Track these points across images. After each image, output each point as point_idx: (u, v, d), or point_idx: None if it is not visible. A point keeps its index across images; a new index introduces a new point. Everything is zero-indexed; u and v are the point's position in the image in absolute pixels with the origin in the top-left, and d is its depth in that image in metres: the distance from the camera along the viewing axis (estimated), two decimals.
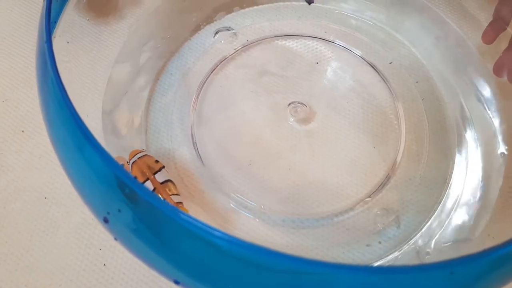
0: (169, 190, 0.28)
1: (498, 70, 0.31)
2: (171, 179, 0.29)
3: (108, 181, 0.17)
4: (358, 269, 0.16)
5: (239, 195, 0.31)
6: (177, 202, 0.28)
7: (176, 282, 0.17)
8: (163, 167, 0.29)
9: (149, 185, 0.28)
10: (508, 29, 0.32)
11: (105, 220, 0.17)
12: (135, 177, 0.28)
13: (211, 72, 0.37)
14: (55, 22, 0.25)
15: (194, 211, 0.31)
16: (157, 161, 0.29)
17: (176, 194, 0.28)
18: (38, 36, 0.21)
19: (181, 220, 0.16)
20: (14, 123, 0.34)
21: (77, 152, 0.18)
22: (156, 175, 0.28)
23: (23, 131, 0.34)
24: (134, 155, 0.29)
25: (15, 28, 0.38)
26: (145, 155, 0.29)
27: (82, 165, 0.18)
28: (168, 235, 0.16)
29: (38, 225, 0.31)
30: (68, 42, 0.28)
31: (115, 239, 0.18)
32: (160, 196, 0.28)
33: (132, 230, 0.17)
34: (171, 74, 0.37)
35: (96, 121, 0.32)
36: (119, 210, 0.17)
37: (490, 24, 0.33)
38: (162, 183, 0.28)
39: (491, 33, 0.32)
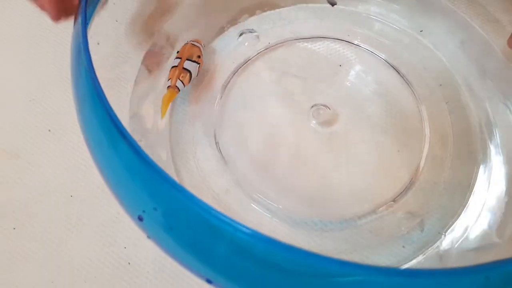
0: (182, 77, 0.34)
1: None
2: (193, 74, 0.34)
3: (144, 179, 0.17)
4: (393, 272, 0.16)
5: (261, 196, 0.31)
6: (174, 85, 0.33)
7: (209, 282, 0.17)
8: (199, 63, 0.35)
9: (176, 61, 0.34)
10: None
11: (140, 219, 0.18)
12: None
13: (234, 74, 0.37)
14: (88, 24, 0.25)
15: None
16: (199, 56, 0.35)
17: (182, 82, 0.33)
18: (74, 37, 0.22)
19: (216, 219, 0.16)
20: (41, 122, 0.35)
21: (112, 150, 0.19)
22: (187, 61, 0.34)
23: (49, 130, 0.34)
24: (194, 40, 0.36)
25: (41, 26, 0.39)
26: (198, 46, 0.35)
27: (117, 164, 0.19)
28: (203, 234, 0.17)
29: (63, 222, 0.31)
30: (98, 44, 0.28)
31: (148, 237, 0.19)
32: (171, 72, 0.34)
33: (166, 229, 0.17)
34: (195, 75, 0.37)
35: (123, 122, 0.32)
36: (155, 209, 0.17)
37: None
38: (184, 68, 0.34)
39: None
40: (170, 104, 0.35)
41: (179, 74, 0.34)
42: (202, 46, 0.36)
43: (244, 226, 0.16)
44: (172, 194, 0.16)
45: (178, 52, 0.35)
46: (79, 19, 0.21)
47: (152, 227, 0.18)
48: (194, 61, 0.34)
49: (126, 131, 0.18)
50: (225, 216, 0.16)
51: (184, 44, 0.35)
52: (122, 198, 0.19)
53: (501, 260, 0.16)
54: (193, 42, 0.36)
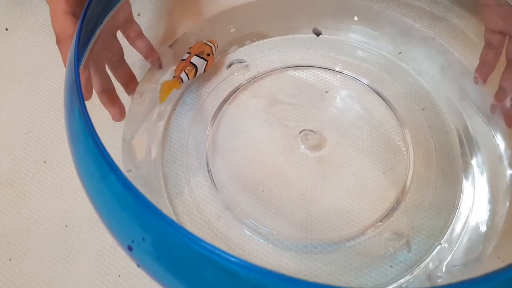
0: (187, 70, 0.36)
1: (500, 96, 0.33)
2: (199, 70, 0.37)
3: (132, 210, 0.18)
4: None
5: (252, 221, 0.32)
6: (179, 76, 0.36)
7: None
8: (208, 61, 0.37)
9: (185, 56, 0.37)
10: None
11: (129, 248, 0.18)
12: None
13: (225, 102, 0.38)
14: (81, 60, 0.26)
15: (209, 237, 0.32)
16: (208, 54, 0.37)
17: (187, 75, 0.36)
18: (67, 76, 0.23)
19: (202, 248, 0.17)
20: (37, 153, 0.36)
21: (102, 181, 0.20)
22: (195, 57, 0.36)
23: (45, 162, 0.35)
24: (208, 40, 0.38)
25: (38, 63, 0.41)
26: (210, 45, 0.38)
27: (106, 195, 0.19)
28: (190, 262, 0.17)
29: (59, 252, 0.32)
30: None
31: (138, 266, 0.19)
32: (178, 64, 0.36)
33: (155, 258, 0.18)
34: (187, 104, 0.38)
35: (116, 151, 0.33)
36: (143, 239, 0.18)
37: (478, 70, 0.35)
38: (191, 62, 0.36)
39: (482, 76, 0.35)
40: (163, 132, 0.36)
41: (185, 67, 0.36)
42: (215, 46, 0.38)
43: (230, 255, 0.17)
44: (159, 225, 0.17)
45: (190, 48, 0.38)
46: (72, 59, 0.23)
47: (141, 256, 0.18)
48: (202, 58, 0.37)
49: (115, 164, 0.19)
50: (211, 245, 0.17)
51: (197, 42, 0.38)
52: (112, 228, 0.19)
53: (476, 278, 0.17)
54: (206, 42, 0.38)
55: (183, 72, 0.36)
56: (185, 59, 0.37)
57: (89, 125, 0.20)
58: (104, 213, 0.20)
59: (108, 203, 0.19)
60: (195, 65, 0.36)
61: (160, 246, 0.18)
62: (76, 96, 0.21)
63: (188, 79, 0.36)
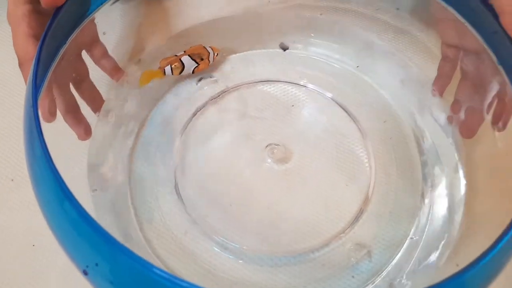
0: (174, 66, 0.37)
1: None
2: (186, 69, 0.38)
3: (86, 237, 0.19)
4: None
5: (218, 236, 0.33)
6: (163, 68, 0.37)
7: None
8: (199, 64, 0.39)
9: (179, 53, 0.38)
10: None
11: (85, 273, 0.19)
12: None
13: (193, 117, 0.39)
14: (42, 82, 0.27)
15: (176, 252, 0.32)
16: (202, 59, 0.39)
17: (171, 70, 0.37)
18: (26, 101, 0.23)
19: (154, 274, 0.18)
20: (4, 172, 0.36)
21: (58, 208, 0.20)
22: (186, 57, 0.38)
23: (12, 180, 0.36)
24: (211, 47, 0.39)
25: (6, 79, 0.41)
26: (208, 51, 0.39)
27: (62, 220, 0.20)
28: (142, 287, 0.18)
29: (26, 272, 0.32)
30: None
31: None
32: (168, 57, 0.38)
33: (109, 282, 0.18)
34: (156, 119, 0.39)
35: (82, 169, 0.33)
36: (97, 264, 0.18)
37: (435, 82, 0.37)
38: (180, 60, 0.38)
39: (439, 89, 0.36)
40: (131, 148, 0.37)
41: (173, 62, 0.37)
42: (215, 54, 0.39)
43: (180, 280, 0.17)
44: (111, 251, 0.18)
45: (190, 47, 0.39)
46: (30, 85, 0.23)
47: (96, 280, 0.19)
48: (194, 60, 0.38)
49: (70, 193, 0.19)
50: (162, 271, 0.17)
51: (199, 44, 0.39)
52: (68, 253, 0.20)
53: (443, 280, 0.18)
54: (208, 47, 0.39)
55: (169, 66, 0.37)
56: (177, 55, 0.38)
57: (45, 152, 0.21)
58: (60, 237, 0.20)
59: (64, 228, 0.20)
60: (183, 64, 0.38)
61: (113, 271, 0.18)
62: (34, 121, 0.22)
63: (172, 74, 0.38)
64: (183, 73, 0.38)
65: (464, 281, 0.19)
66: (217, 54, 0.40)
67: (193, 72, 0.39)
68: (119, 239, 0.31)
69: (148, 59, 0.41)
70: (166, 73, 0.37)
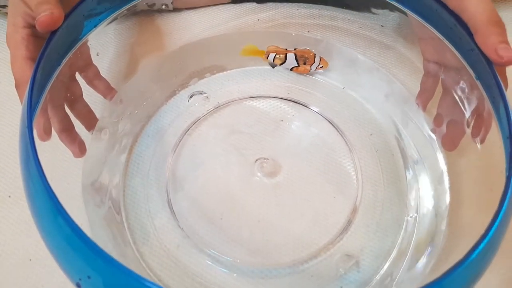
0: (278, 56, 0.41)
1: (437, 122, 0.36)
2: (287, 64, 0.42)
3: (78, 250, 0.20)
4: None
5: (210, 249, 0.34)
6: (268, 53, 0.41)
7: None
8: (299, 66, 0.42)
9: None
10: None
11: (78, 285, 0.20)
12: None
13: (185, 133, 0.40)
14: (37, 103, 0.28)
15: (168, 266, 0.33)
16: (305, 63, 0.41)
17: (274, 57, 0.41)
18: (21, 122, 0.24)
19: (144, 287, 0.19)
20: (1, 188, 0.37)
21: (52, 223, 0.21)
22: (292, 54, 0.41)
23: (9, 196, 0.36)
24: (322, 58, 0.42)
25: (5, 99, 0.42)
26: (316, 59, 0.41)
27: (56, 235, 0.21)
28: None
29: (23, 286, 0.33)
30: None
31: None
32: (278, 47, 0.42)
33: None
34: (148, 136, 0.40)
35: (77, 189, 0.34)
36: (89, 277, 0.19)
37: (418, 97, 0.38)
38: (286, 54, 0.41)
39: (422, 103, 0.38)
40: (124, 165, 0.38)
41: (279, 52, 0.41)
42: (319, 65, 0.41)
43: None
44: (103, 265, 0.19)
45: (295, 49, 0.42)
46: (25, 106, 0.24)
47: None
48: (296, 60, 0.41)
49: (63, 210, 0.20)
50: (154, 284, 0.18)
51: (313, 51, 0.42)
52: (62, 266, 0.21)
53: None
54: (318, 55, 0.41)
55: (274, 54, 0.40)
56: (287, 50, 0.41)
57: (39, 171, 0.22)
58: (53, 250, 0.21)
59: (57, 242, 0.21)
60: (286, 58, 0.41)
61: (105, 284, 0.19)
62: (29, 141, 0.23)
63: (273, 61, 0.41)
64: (282, 66, 0.41)
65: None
66: (322, 66, 0.42)
67: (291, 69, 0.42)
68: (113, 253, 0.32)
69: (140, 78, 0.42)
70: (268, 58, 0.40)
